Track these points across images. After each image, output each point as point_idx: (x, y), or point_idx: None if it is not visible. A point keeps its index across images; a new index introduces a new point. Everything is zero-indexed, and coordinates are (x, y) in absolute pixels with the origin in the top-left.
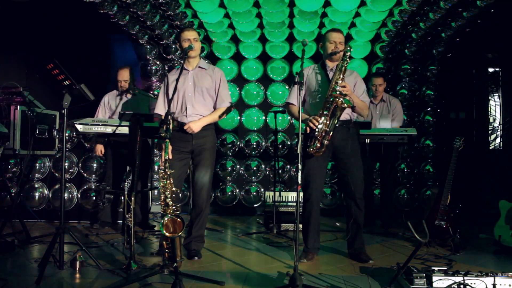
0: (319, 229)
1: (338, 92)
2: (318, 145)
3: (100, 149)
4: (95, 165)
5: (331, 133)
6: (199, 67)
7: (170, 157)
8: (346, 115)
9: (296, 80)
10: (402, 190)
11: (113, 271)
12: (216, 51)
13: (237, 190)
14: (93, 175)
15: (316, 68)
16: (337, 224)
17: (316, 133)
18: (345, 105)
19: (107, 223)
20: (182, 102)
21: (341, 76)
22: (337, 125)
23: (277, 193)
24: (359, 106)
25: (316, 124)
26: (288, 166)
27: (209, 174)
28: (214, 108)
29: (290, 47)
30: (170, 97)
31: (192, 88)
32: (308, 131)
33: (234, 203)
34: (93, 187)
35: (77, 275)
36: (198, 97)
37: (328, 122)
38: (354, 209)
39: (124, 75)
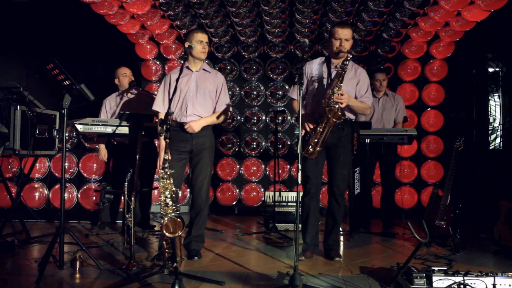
0: (318, 225)
1: (333, 102)
2: (311, 150)
3: (104, 153)
4: (95, 165)
5: (323, 141)
6: (204, 69)
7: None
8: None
9: (296, 80)
10: (402, 190)
11: (113, 271)
12: (216, 51)
13: (237, 190)
14: (93, 175)
15: (321, 63)
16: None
17: (309, 138)
18: (336, 119)
19: (107, 223)
20: (182, 102)
21: (339, 85)
22: (329, 132)
23: (277, 193)
24: (358, 109)
25: (309, 129)
26: (288, 166)
27: (208, 173)
28: (214, 110)
29: (290, 47)
30: (171, 96)
31: (195, 89)
32: (303, 134)
33: (234, 203)
34: (93, 187)
35: (77, 275)
36: (199, 98)
37: (321, 130)
38: (334, 205)
39: (125, 69)
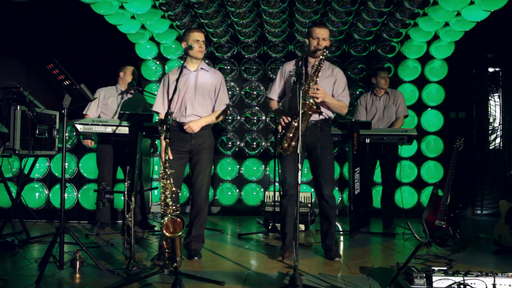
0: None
1: (308, 96)
2: (286, 145)
3: (89, 142)
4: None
5: (299, 135)
6: (202, 68)
7: (171, 157)
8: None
9: (296, 80)
10: (402, 190)
11: (113, 271)
12: (216, 51)
13: (237, 190)
14: (93, 175)
15: (298, 63)
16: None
17: (285, 132)
18: (314, 108)
19: (106, 224)
20: (182, 102)
21: (315, 79)
22: (309, 124)
23: (277, 193)
24: (334, 106)
25: (284, 123)
26: None
27: (207, 173)
28: (213, 110)
29: (290, 47)
30: (170, 96)
31: (193, 88)
32: (280, 129)
33: (234, 203)
34: (93, 187)
35: (77, 275)
36: (198, 98)
37: (296, 125)
38: (324, 206)
39: (131, 69)
